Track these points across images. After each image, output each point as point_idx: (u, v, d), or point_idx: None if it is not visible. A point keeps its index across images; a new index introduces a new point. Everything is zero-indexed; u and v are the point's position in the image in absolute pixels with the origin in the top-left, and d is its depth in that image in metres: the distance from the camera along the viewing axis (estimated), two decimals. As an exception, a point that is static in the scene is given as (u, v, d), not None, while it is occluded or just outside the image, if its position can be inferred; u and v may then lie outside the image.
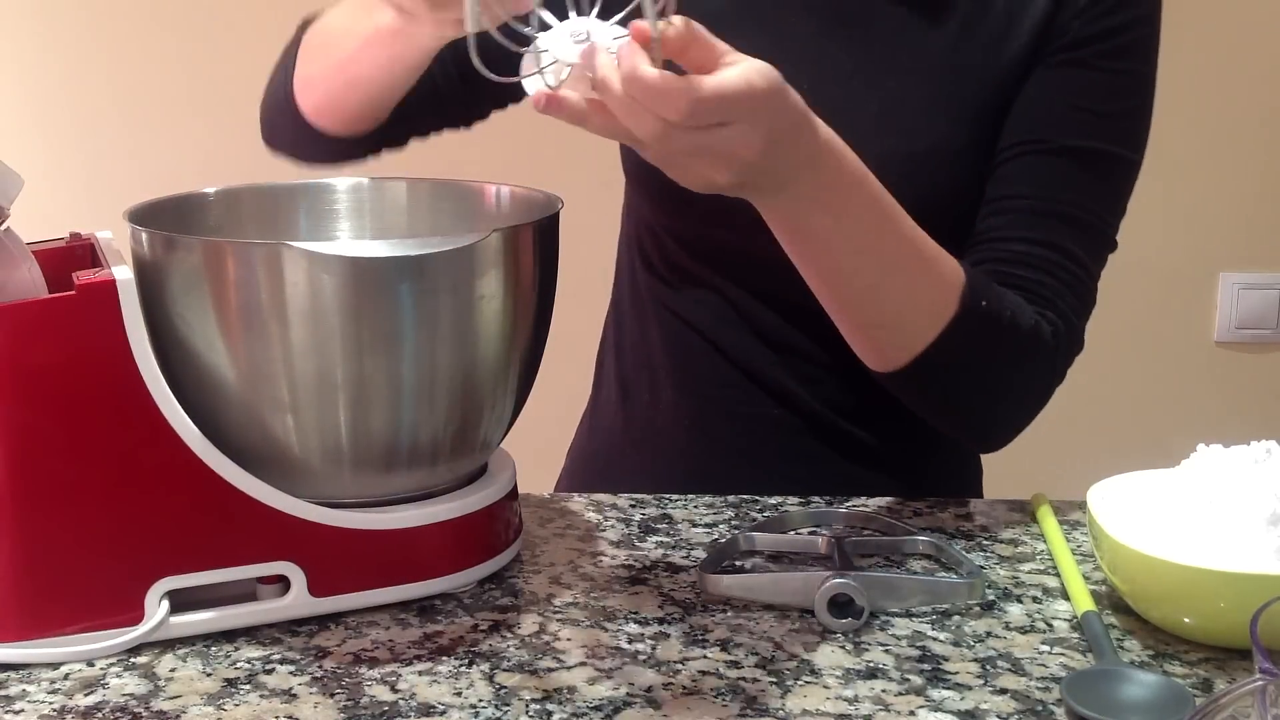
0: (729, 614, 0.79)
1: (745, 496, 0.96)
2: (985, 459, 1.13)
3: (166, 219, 0.82)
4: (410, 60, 0.94)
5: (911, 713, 0.68)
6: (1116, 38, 1.00)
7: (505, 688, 0.71)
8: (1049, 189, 0.98)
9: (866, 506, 0.95)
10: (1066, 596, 0.82)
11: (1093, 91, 1.00)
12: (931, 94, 0.98)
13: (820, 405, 1.05)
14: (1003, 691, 0.71)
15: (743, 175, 0.76)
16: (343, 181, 0.93)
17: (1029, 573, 0.85)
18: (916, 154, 0.97)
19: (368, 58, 0.96)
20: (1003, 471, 1.16)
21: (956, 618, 0.79)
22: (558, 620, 0.78)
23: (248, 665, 0.74)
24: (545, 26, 0.72)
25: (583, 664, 0.73)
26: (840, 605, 0.77)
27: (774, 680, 0.72)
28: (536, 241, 0.80)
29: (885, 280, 0.88)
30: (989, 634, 0.77)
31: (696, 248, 1.05)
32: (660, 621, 0.78)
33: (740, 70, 0.72)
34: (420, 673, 0.73)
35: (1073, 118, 0.99)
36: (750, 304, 1.05)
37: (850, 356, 1.00)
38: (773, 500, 0.96)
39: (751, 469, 1.05)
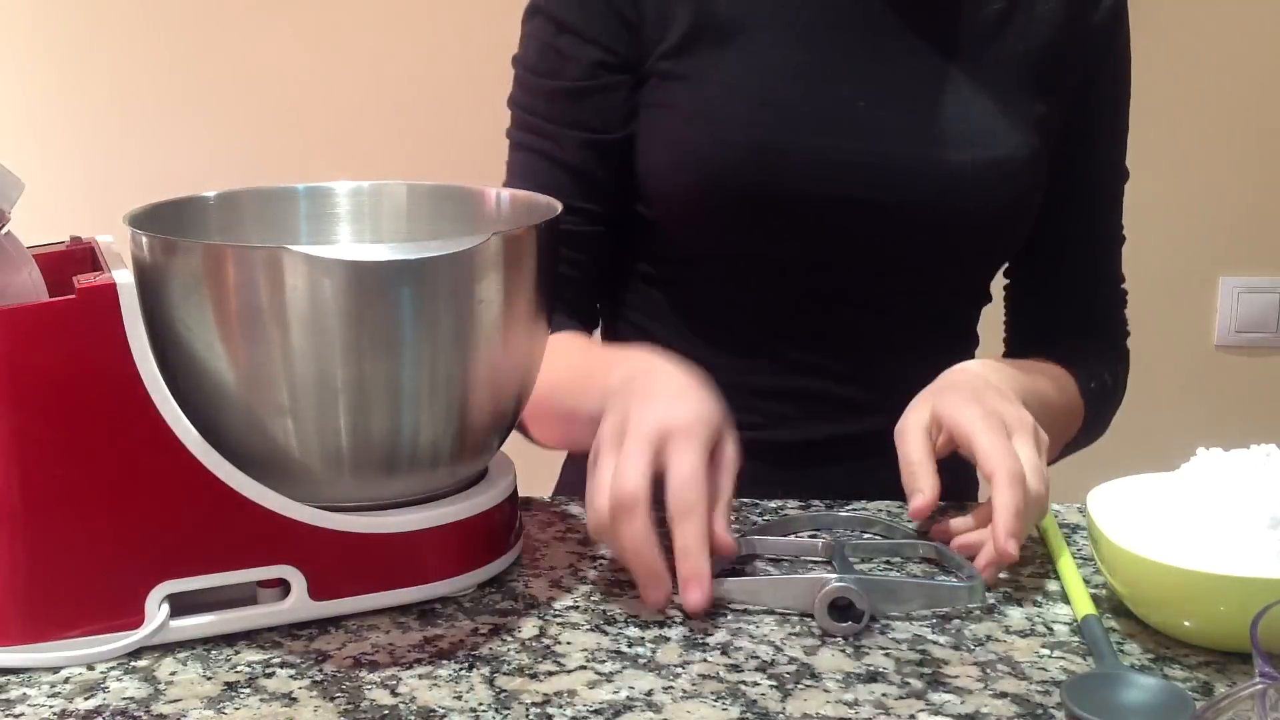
0: (729, 618, 0.79)
1: (745, 500, 0.96)
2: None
3: (166, 222, 0.82)
4: None
5: (912, 716, 0.68)
6: (1124, 76, 1.11)
7: (505, 691, 0.71)
8: (1089, 235, 1.13)
9: (867, 509, 0.95)
10: (1066, 600, 0.82)
11: (1113, 140, 1.12)
12: (990, 104, 1.01)
13: (824, 420, 1.06)
14: (1003, 695, 0.71)
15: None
16: (342, 185, 0.93)
17: (1029, 576, 0.85)
18: (994, 161, 1.01)
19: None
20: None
21: (956, 621, 0.79)
22: (558, 624, 0.78)
23: (248, 669, 0.74)
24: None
25: (583, 667, 0.73)
26: (840, 609, 0.77)
27: (774, 684, 0.72)
28: (536, 245, 0.80)
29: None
30: (989, 637, 0.77)
31: (733, 262, 1.06)
32: (660, 625, 0.78)
33: (985, 443, 0.83)
34: (420, 676, 0.73)
35: (1103, 170, 1.11)
36: (754, 315, 1.06)
37: (857, 372, 1.03)
38: (773, 504, 0.96)
39: (749, 472, 1.05)
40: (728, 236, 1.03)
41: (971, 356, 1.15)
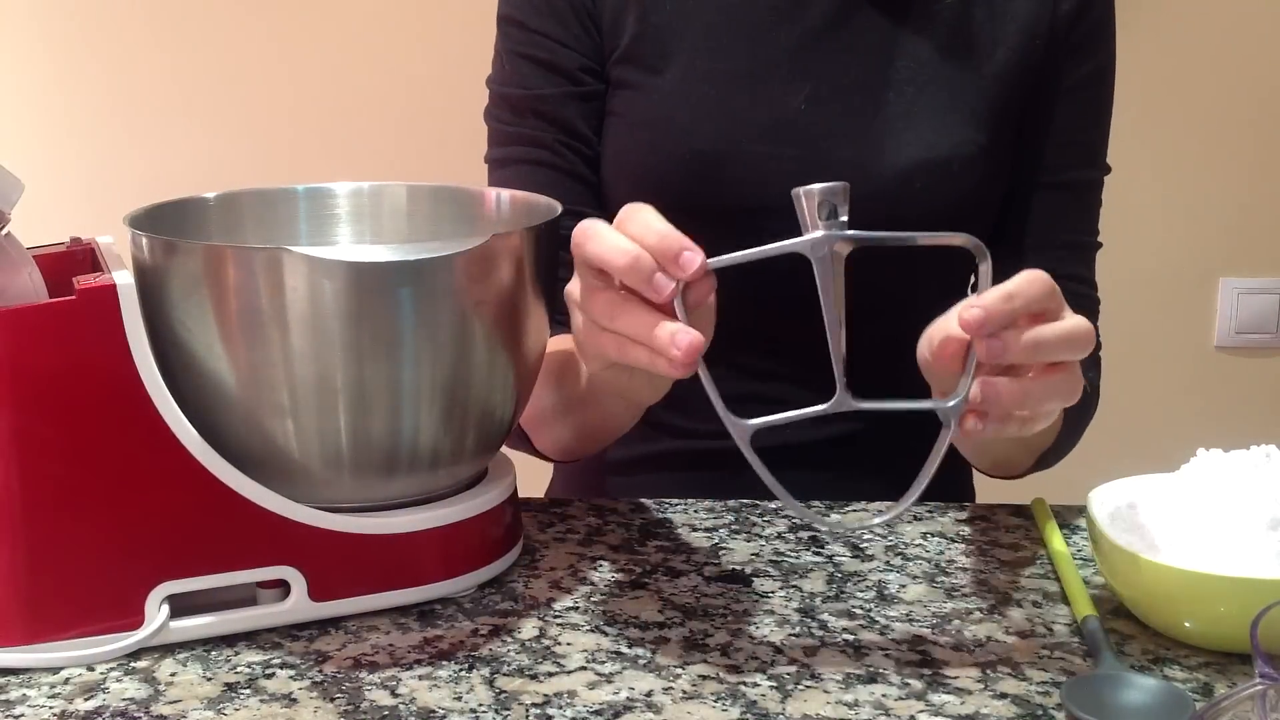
0: (729, 619, 0.79)
1: (745, 501, 0.96)
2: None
3: (167, 224, 0.82)
4: (650, 390, 0.86)
5: (912, 717, 0.68)
6: (1098, 60, 1.05)
7: (505, 692, 0.71)
8: (1054, 223, 1.05)
9: (867, 510, 0.95)
10: (1066, 601, 0.82)
11: (1082, 122, 1.06)
12: (936, 101, 0.99)
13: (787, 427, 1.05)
14: (1003, 696, 0.71)
15: None
16: (343, 186, 0.93)
17: (1029, 577, 0.85)
18: (937, 162, 0.98)
19: (611, 412, 0.95)
20: (1003, 476, 1.17)
21: (956, 622, 0.79)
22: (558, 625, 0.78)
23: (248, 670, 0.74)
24: None
25: (583, 668, 0.73)
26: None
27: (774, 685, 0.72)
28: (536, 246, 0.80)
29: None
30: (989, 638, 0.77)
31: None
32: (660, 626, 0.78)
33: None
34: (420, 677, 0.73)
35: (1067, 152, 1.05)
36: (732, 323, 1.05)
37: (815, 377, 1.01)
38: (772, 505, 0.96)
39: (742, 473, 1.04)
40: None
41: None
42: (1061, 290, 1.04)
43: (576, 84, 1.04)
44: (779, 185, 0.96)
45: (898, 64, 1.00)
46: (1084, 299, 1.08)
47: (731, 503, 0.96)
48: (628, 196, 1.01)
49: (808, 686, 0.72)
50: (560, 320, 1.06)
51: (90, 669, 0.74)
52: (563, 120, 1.04)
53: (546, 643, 0.76)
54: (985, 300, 0.71)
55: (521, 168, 1.05)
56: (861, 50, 1.00)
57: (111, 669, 0.74)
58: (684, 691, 0.71)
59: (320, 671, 0.73)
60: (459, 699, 0.70)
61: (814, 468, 1.05)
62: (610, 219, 0.82)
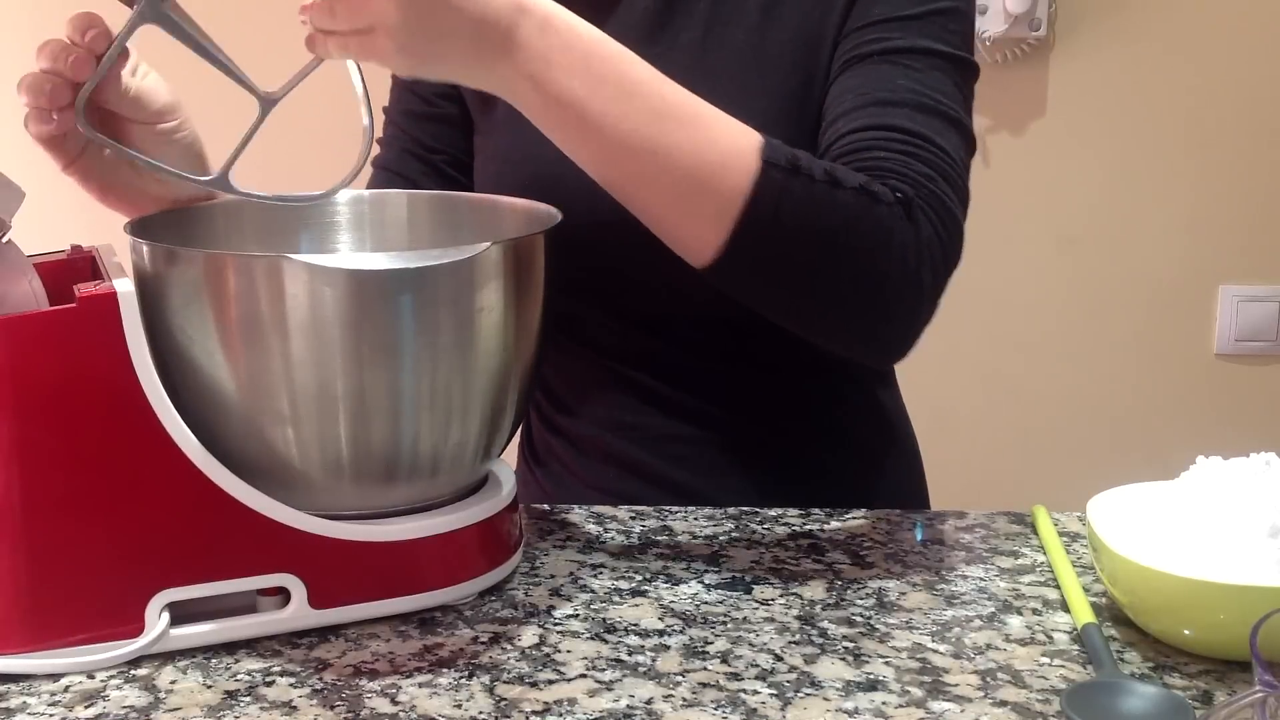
0: (729, 626, 0.79)
1: (745, 509, 0.97)
2: (982, 470, 1.13)
3: (167, 231, 0.82)
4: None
5: (912, 725, 0.69)
6: None
7: (505, 700, 0.71)
8: (866, 86, 0.93)
9: (866, 518, 0.95)
10: (1067, 608, 0.82)
11: (894, 3, 0.96)
12: (740, 86, 0.97)
13: (732, 414, 1.04)
14: (1003, 704, 0.71)
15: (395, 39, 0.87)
16: (343, 194, 0.94)
17: (1029, 585, 0.85)
18: None
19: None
20: (1002, 483, 1.17)
21: (957, 630, 0.79)
22: (558, 632, 0.78)
23: (248, 677, 0.74)
24: None
25: (583, 676, 0.73)
26: None
27: (774, 693, 0.72)
28: (536, 253, 0.80)
29: (665, 135, 0.81)
30: (989, 646, 0.77)
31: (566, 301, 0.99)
32: (660, 634, 0.78)
33: None
34: (420, 685, 0.73)
35: (879, 28, 0.95)
36: (626, 322, 1.04)
37: (741, 351, 1.01)
38: (773, 512, 0.96)
39: (676, 486, 1.04)
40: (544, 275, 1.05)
41: (867, 372, 1.10)
42: (876, 141, 0.91)
43: (430, 105, 1.10)
44: (609, 199, 0.91)
45: (712, 53, 0.99)
46: (893, 142, 0.91)
47: (731, 510, 0.96)
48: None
49: (808, 694, 0.72)
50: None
51: (90, 676, 0.74)
52: (414, 134, 1.10)
53: (546, 650, 0.76)
54: None
55: (378, 173, 1.12)
56: (682, 46, 1.00)
57: (111, 676, 0.74)
58: (684, 699, 0.71)
59: (320, 679, 0.73)
60: (459, 707, 0.70)
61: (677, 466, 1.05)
62: None
